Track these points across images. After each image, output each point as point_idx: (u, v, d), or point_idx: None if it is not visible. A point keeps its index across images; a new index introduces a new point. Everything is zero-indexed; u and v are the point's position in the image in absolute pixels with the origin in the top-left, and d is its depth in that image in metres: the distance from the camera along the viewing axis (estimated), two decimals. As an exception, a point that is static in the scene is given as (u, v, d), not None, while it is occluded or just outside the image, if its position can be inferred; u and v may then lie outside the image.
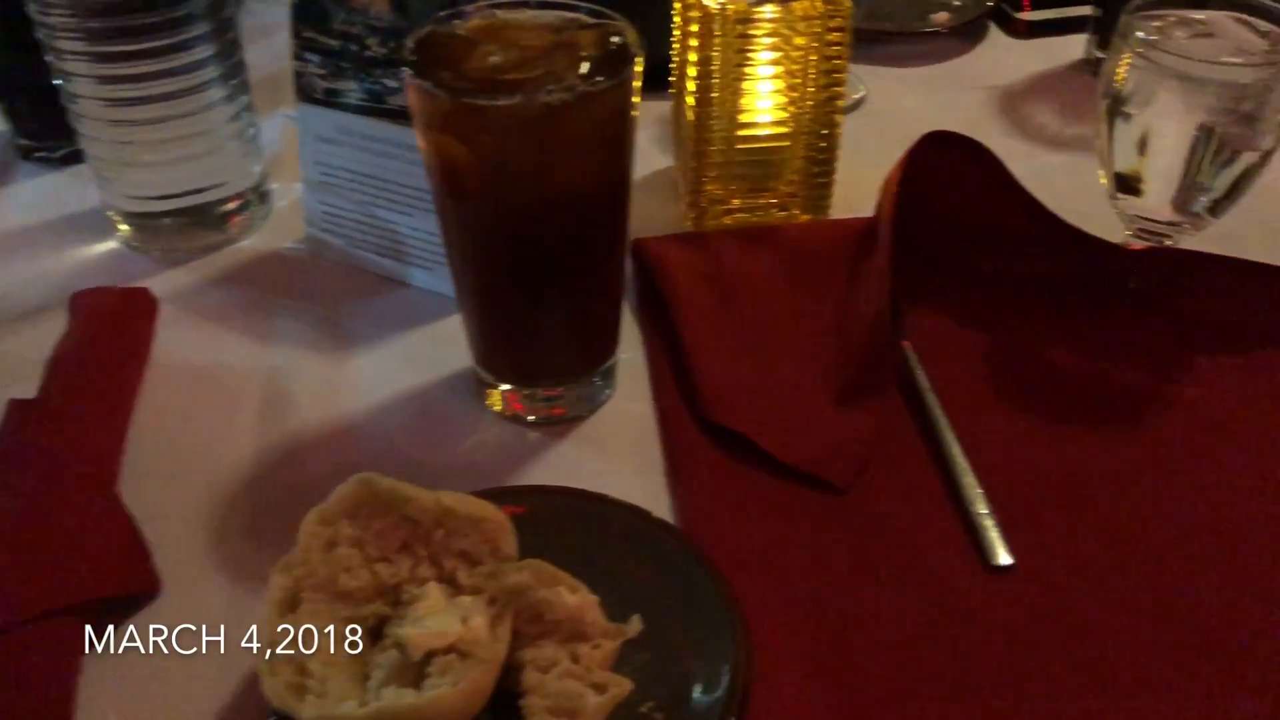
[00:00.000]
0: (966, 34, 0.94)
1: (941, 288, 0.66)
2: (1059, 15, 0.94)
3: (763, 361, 0.62)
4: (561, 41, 0.52)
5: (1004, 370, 0.63)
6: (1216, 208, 0.63)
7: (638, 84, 0.52)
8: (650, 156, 0.81)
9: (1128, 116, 0.61)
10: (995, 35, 0.95)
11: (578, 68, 0.51)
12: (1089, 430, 0.59)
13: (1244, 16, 0.62)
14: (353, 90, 0.66)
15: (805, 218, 0.74)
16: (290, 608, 0.44)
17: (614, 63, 0.51)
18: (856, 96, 0.86)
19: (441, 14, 0.54)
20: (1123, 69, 0.60)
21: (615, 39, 0.53)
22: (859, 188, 0.71)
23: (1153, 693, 0.47)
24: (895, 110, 0.86)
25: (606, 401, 0.61)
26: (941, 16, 0.93)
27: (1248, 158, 0.61)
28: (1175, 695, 0.47)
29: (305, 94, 0.68)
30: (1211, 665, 0.48)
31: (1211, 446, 0.58)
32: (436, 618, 0.43)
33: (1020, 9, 0.94)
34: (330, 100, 0.67)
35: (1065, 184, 0.70)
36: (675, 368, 0.62)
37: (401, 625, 0.44)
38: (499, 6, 0.55)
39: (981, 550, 0.53)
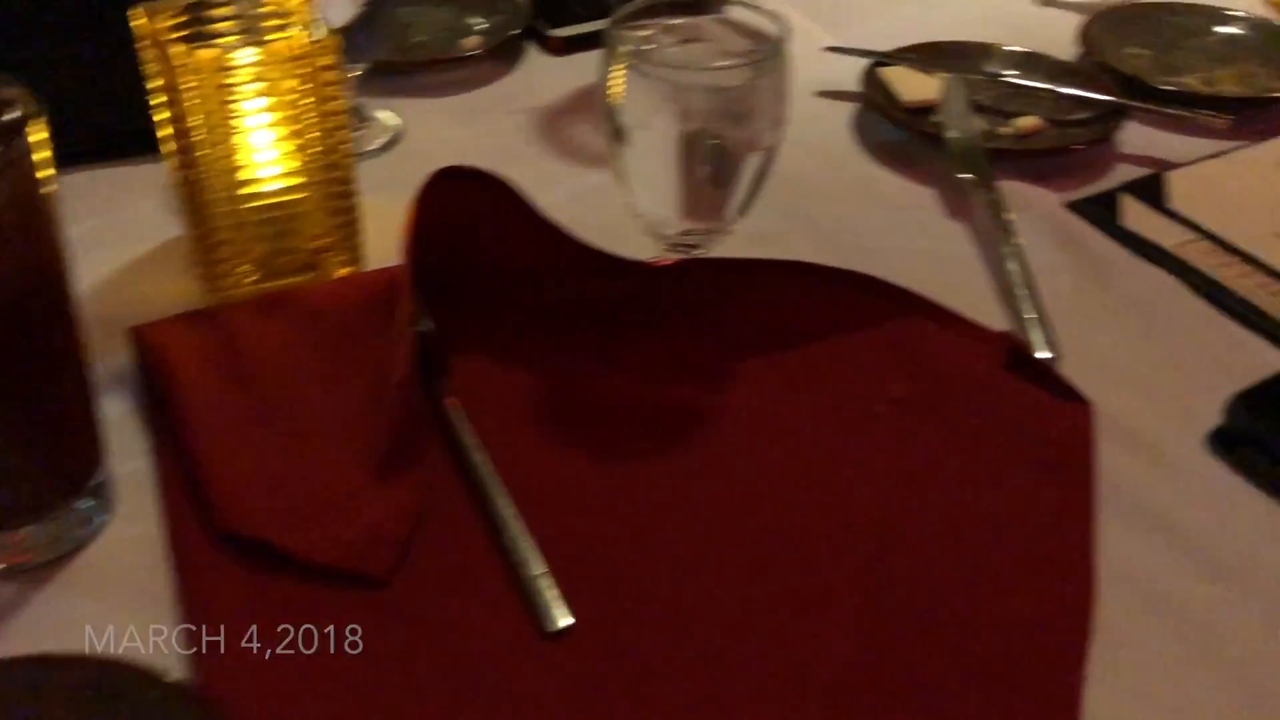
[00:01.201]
0: (503, 56, 0.91)
1: (484, 333, 0.62)
2: (592, 29, 0.93)
3: (288, 447, 0.55)
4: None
5: (555, 413, 0.59)
6: (737, 209, 0.62)
7: (44, 155, 0.44)
8: (159, 226, 0.71)
9: (630, 129, 0.59)
10: (533, 55, 0.92)
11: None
12: (648, 461, 0.56)
13: (728, 19, 0.62)
14: None
15: (343, 272, 0.68)
16: None
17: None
18: (386, 137, 0.81)
19: None
20: (617, 83, 0.58)
21: (7, 114, 0.44)
22: (401, 232, 0.66)
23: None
24: (435, 143, 0.81)
25: (102, 528, 0.52)
26: (471, 41, 0.90)
27: (754, 157, 0.61)
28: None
29: None
30: (792, 692, 0.46)
31: (772, 455, 0.57)
32: None
33: (551, 27, 0.92)
34: None
35: (607, 202, 0.67)
36: (186, 473, 0.54)
37: None
38: None
39: (537, 615, 0.48)
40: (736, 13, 0.61)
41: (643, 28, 0.60)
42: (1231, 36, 0.93)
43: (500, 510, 0.52)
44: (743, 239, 0.65)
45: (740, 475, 0.55)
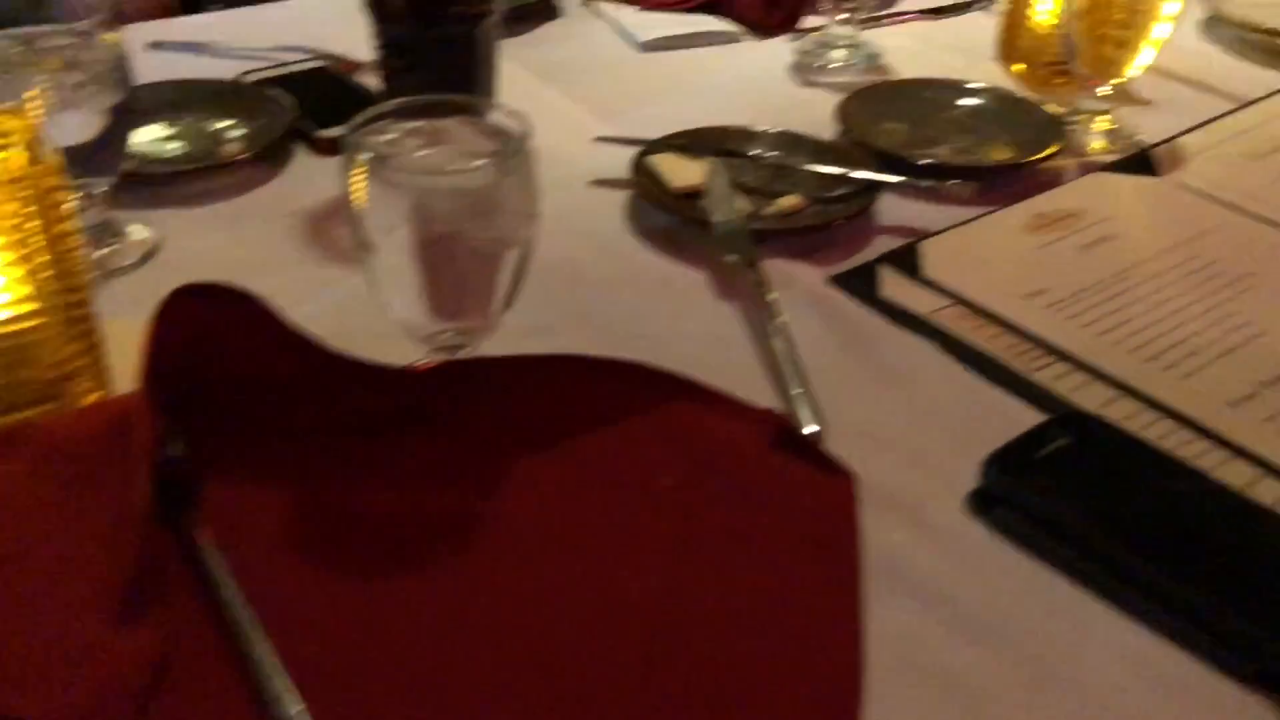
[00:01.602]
0: (269, 159, 0.89)
1: (240, 456, 0.59)
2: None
3: (16, 601, 0.50)
4: None
5: (316, 535, 0.56)
6: (500, 306, 0.62)
7: None
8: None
9: (376, 235, 0.58)
10: (301, 157, 0.91)
11: None
12: (416, 578, 0.54)
13: (472, 120, 0.61)
14: None
15: (89, 399, 0.64)
16: None
17: None
18: (140, 251, 0.77)
19: None
20: (359, 189, 0.57)
21: None
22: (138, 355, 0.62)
23: None
24: (193, 255, 0.78)
25: None
26: (233, 146, 0.87)
27: (510, 254, 0.60)
28: None
29: None
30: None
31: (545, 557, 0.55)
32: None
33: (319, 127, 0.90)
34: None
35: (374, 307, 0.65)
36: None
37: None
38: None
39: (294, 758, 0.46)
40: (480, 113, 0.61)
41: (384, 132, 0.59)
42: (976, 108, 0.99)
43: (252, 648, 0.49)
44: (513, 333, 0.64)
45: (513, 581, 0.54)
